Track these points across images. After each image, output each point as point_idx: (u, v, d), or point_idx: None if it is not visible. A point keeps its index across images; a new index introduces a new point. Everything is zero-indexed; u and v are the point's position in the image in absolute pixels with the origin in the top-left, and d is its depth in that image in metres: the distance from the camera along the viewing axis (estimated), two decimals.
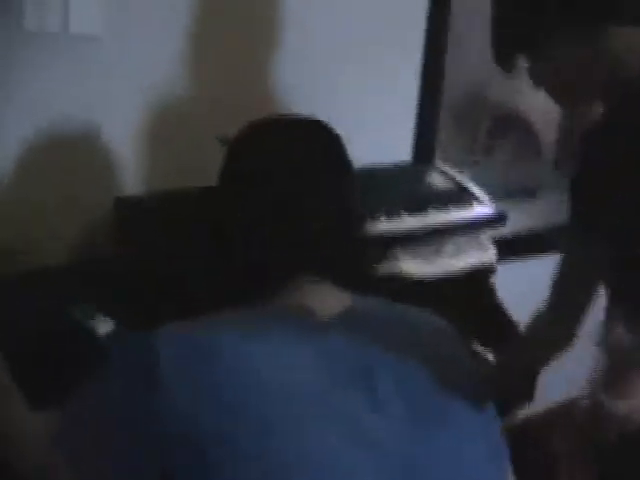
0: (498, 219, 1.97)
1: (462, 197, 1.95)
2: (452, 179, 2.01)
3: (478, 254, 1.95)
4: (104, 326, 1.41)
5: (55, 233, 1.56)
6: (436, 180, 2.00)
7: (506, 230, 2.02)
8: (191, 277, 1.39)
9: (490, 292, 1.97)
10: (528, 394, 1.63)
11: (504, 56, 1.16)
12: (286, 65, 1.75)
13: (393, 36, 1.89)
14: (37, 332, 1.37)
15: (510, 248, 2.15)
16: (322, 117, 1.10)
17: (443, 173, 2.03)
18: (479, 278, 1.94)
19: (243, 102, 1.70)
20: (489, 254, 1.99)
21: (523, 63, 1.17)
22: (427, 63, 1.99)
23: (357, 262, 1.06)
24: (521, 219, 2.36)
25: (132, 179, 1.63)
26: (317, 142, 1.07)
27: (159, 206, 1.55)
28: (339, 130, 1.11)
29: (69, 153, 1.56)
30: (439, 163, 2.08)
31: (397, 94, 1.98)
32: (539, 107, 3.19)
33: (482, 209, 1.95)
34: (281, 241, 1.00)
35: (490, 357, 1.70)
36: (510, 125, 3.28)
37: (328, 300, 1.01)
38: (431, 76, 2.00)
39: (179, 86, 1.64)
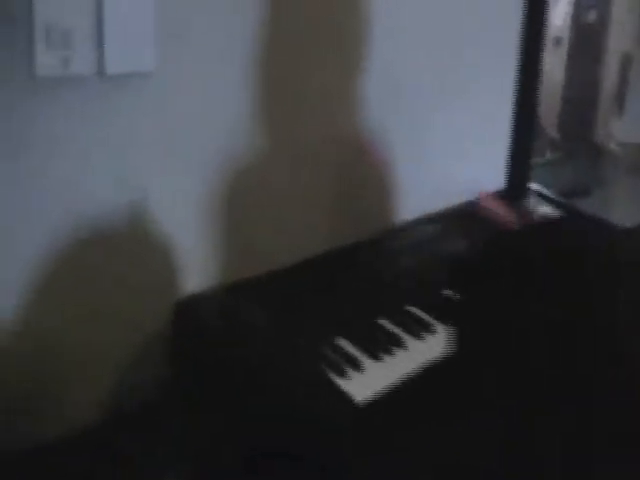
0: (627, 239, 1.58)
1: (579, 225, 1.56)
2: (558, 204, 1.62)
3: None
4: None
5: (87, 375, 1.10)
6: (545, 210, 1.60)
7: None
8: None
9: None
10: None
11: None
12: (374, 104, 1.38)
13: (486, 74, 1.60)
14: None
15: None
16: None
17: (546, 198, 1.64)
18: None
19: (325, 152, 1.29)
20: None
21: None
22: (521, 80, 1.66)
23: None
24: None
25: (195, 273, 1.17)
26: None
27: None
28: None
29: (105, 246, 1.09)
30: (534, 186, 1.69)
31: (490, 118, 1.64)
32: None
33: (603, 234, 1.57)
34: None
35: None
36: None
37: None
38: (526, 93, 1.63)
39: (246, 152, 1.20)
